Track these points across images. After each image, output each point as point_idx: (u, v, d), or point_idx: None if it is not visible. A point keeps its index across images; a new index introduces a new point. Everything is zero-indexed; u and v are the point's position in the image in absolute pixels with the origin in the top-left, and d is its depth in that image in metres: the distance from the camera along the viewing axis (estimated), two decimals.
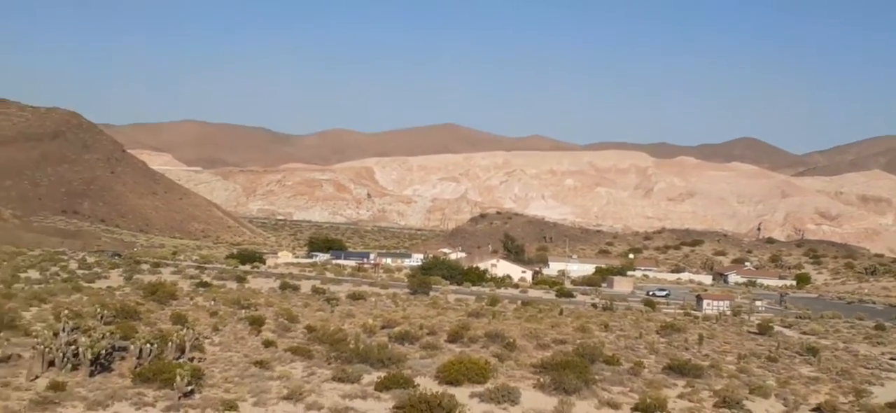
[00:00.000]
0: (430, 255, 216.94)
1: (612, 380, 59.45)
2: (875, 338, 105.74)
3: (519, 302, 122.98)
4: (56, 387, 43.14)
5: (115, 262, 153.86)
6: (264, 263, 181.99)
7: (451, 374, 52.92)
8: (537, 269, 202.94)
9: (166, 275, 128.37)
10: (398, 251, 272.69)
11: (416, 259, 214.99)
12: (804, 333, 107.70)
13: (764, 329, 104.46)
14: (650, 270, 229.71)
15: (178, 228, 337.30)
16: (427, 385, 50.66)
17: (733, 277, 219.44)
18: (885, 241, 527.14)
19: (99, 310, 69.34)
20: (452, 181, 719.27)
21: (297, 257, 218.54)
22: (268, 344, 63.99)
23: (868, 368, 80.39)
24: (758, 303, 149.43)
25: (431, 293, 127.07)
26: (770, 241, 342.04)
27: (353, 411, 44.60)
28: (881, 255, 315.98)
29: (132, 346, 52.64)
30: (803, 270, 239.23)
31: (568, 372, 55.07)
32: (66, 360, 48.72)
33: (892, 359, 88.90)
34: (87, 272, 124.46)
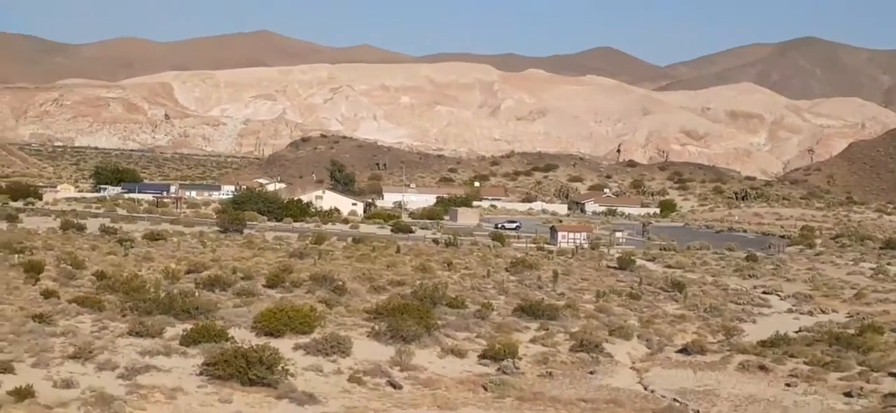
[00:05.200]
0: (244, 187, 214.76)
1: (457, 325, 60.54)
2: (746, 270, 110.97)
3: (349, 239, 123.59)
4: None
5: None
6: (41, 199, 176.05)
7: (271, 324, 52.84)
8: (370, 200, 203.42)
9: None
10: (205, 183, 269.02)
11: (227, 191, 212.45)
12: (669, 267, 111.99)
13: (625, 263, 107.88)
14: (498, 200, 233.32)
15: None
16: (243, 337, 50.49)
17: (591, 206, 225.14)
18: (757, 162, 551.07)
19: None
20: (268, 99, 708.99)
21: (81, 191, 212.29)
22: (48, 294, 62.31)
23: (738, 304, 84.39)
24: (618, 234, 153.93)
25: (245, 231, 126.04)
26: (631, 164, 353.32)
27: (155, 370, 44.06)
28: (753, 178, 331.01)
29: None
30: (668, 197, 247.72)
31: (406, 317, 55.74)
32: None
33: (764, 293, 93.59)
34: None
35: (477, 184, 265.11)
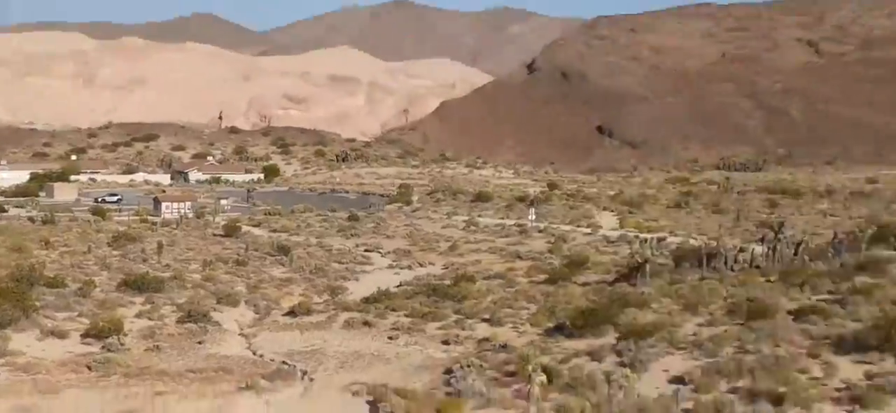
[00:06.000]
0: None
1: (57, 305, 58.73)
2: (348, 230, 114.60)
3: None
4: None
5: None
6: None
7: None
8: None
9: None
10: None
11: None
12: (274, 232, 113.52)
13: (231, 231, 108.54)
14: (98, 173, 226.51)
15: None
16: None
17: (195, 175, 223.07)
18: (357, 124, 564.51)
19: None
20: None
21: None
22: None
23: (342, 263, 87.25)
24: (223, 202, 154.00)
25: None
26: (234, 130, 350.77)
27: None
28: (353, 140, 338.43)
29: None
30: (271, 162, 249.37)
31: (2, 301, 53.55)
32: None
33: (366, 251, 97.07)
34: None
35: (74, 157, 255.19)
